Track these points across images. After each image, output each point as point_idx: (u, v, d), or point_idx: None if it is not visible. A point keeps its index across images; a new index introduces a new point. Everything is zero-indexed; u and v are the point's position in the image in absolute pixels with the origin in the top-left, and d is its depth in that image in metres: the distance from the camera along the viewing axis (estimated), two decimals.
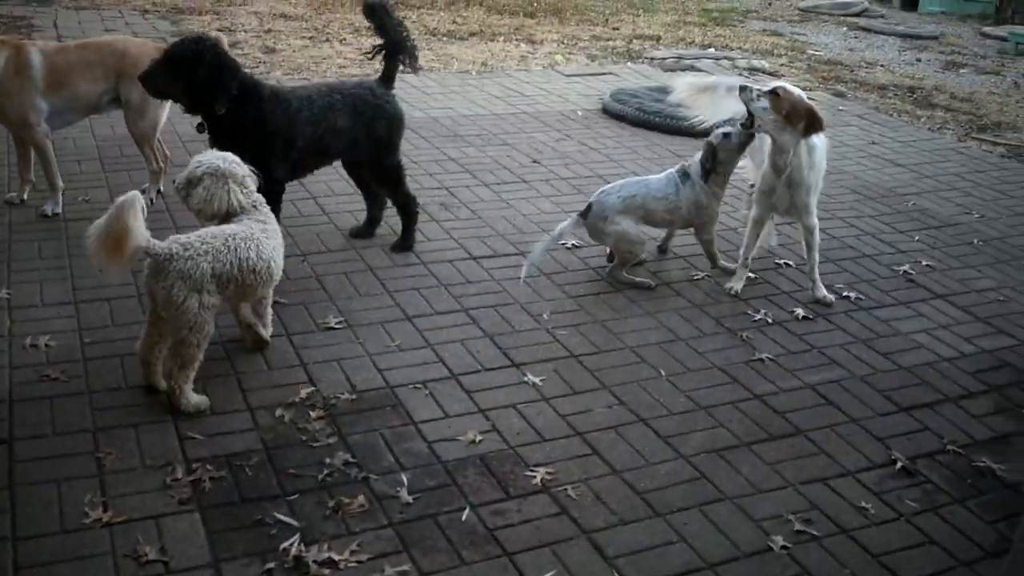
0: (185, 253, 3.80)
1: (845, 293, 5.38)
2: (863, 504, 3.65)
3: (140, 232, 3.64)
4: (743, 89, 5.09)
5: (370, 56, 5.54)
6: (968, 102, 10.44)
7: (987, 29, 15.66)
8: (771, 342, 4.82)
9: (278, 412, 3.95)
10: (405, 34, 5.48)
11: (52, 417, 3.85)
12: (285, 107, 4.96)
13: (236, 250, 3.92)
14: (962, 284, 5.69)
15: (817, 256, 5.34)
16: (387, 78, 5.46)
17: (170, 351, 3.94)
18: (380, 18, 5.38)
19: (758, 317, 5.05)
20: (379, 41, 5.44)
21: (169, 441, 3.75)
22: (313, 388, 4.14)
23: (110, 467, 3.58)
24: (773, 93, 4.98)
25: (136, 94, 5.67)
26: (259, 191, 4.31)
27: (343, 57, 10.17)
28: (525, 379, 4.30)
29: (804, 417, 4.19)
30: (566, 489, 3.60)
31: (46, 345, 4.32)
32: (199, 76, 4.72)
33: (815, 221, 5.29)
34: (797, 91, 5.05)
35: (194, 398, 3.94)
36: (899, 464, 3.91)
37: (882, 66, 12.08)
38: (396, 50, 5.43)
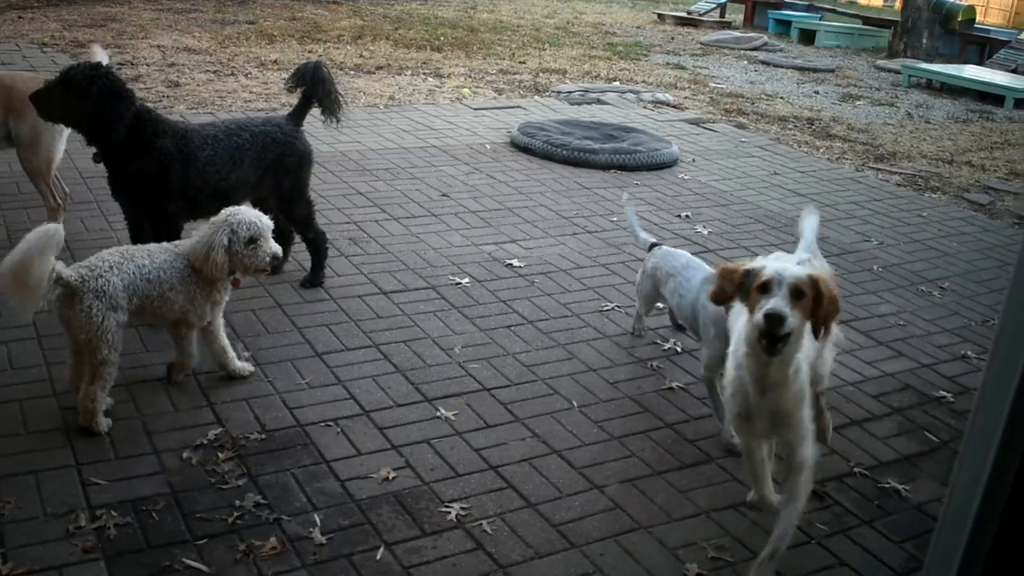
0: (93, 273, 3.88)
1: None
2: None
3: (50, 262, 3.70)
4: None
5: (290, 88, 5.53)
6: (865, 132, 10.78)
7: (880, 62, 16.26)
8: (680, 371, 4.88)
9: (185, 454, 3.85)
10: (334, 96, 5.52)
11: None
12: (185, 144, 4.87)
13: (133, 259, 4.03)
14: (864, 310, 5.85)
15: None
16: (297, 115, 5.43)
17: (89, 374, 3.95)
18: (312, 84, 5.41)
19: (667, 346, 5.11)
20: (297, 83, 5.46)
21: (71, 487, 3.63)
22: (221, 428, 4.05)
23: (9, 516, 3.45)
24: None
25: (26, 130, 5.54)
26: (153, 232, 4.43)
27: (249, 91, 10.08)
28: (438, 414, 4.27)
29: (714, 445, 4.24)
30: (481, 524, 3.58)
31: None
32: (91, 100, 4.62)
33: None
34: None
35: (103, 420, 3.97)
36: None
37: (782, 98, 12.42)
38: (319, 102, 5.47)
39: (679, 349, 5.08)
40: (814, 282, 3.12)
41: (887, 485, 4.06)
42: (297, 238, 5.60)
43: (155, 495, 3.61)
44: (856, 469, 4.16)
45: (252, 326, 4.98)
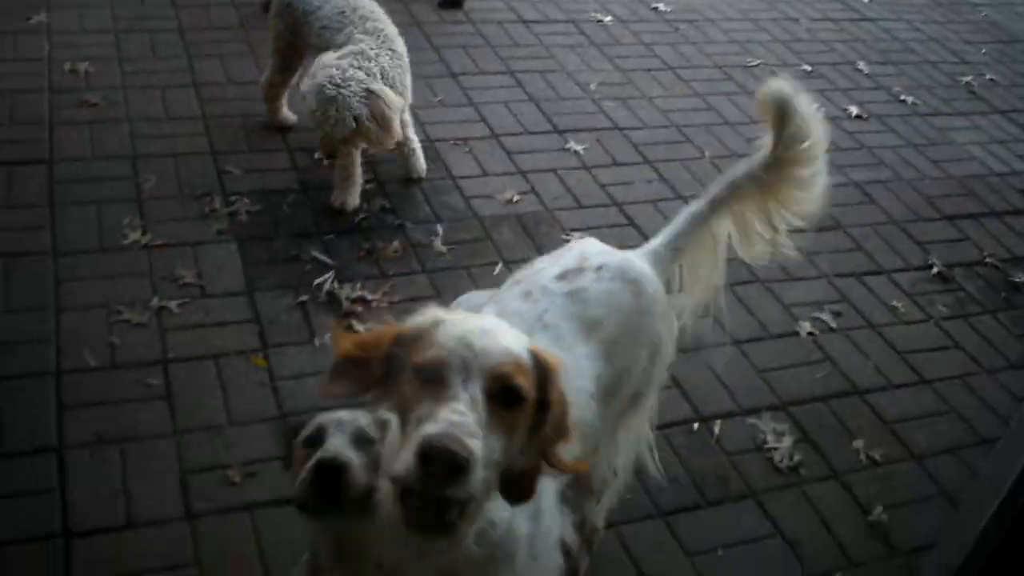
0: None
1: (902, 97, 5.20)
2: (894, 303, 3.65)
3: None
4: None
5: None
6: None
7: None
8: None
9: (317, 155, 3.90)
10: None
11: (92, 141, 3.83)
12: None
13: None
14: None
15: None
16: None
17: None
18: None
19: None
20: None
21: (208, 173, 3.73)
22: None
23: (149, 193, 3.58)
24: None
25: None
26: None
27: None
28: (567, 146, 4.23)
29: (846, 213, 4.12)
30: None
31: (86, 71, 4.24)
32: None
33: None
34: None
35: None
36: (935, 269, 3.87)
37: None
38: None
39: (822, 114, 4.86)
40: (544, 370, 1.51)
41: (1017, 280, 3.93)
42: None
43: (287, 189, 3.70)
44: (988, 259, 4.02)
45: None
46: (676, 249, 2.28)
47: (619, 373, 2.01)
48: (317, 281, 3.26)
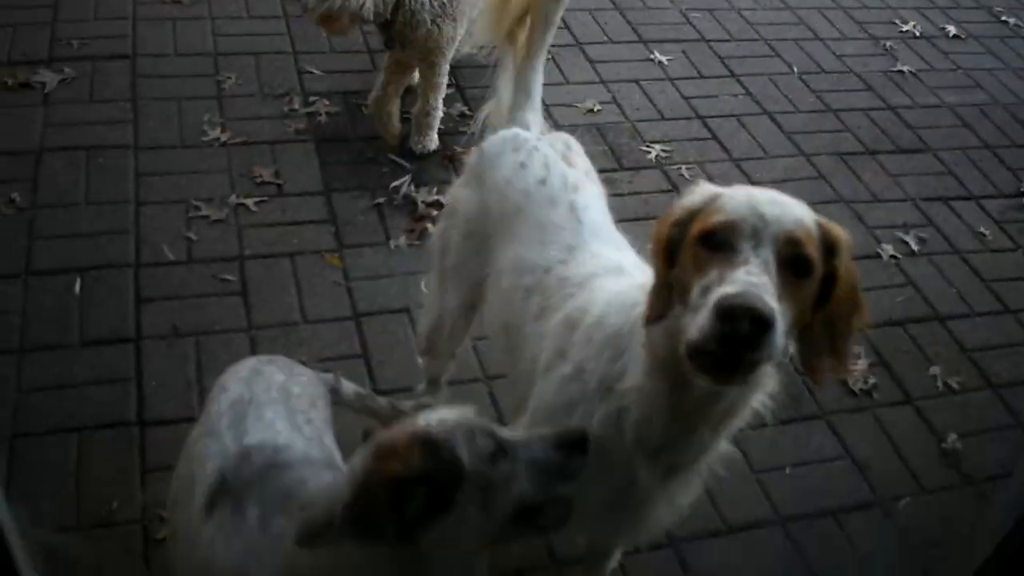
0: None
1: (1004, 17, 4.98)
2: (981, 230, 3.53)
3: None
4: None
5: None
6: None
7: None
8: (915, 56, 4.53)
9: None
10: None
11: (174, 38, 3.84)
12: None
13: None
14: None
15: None
16: None
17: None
18: None
19: (905, 28, 4.72)
20: None
21: (288, 73, 3.73)
22: None
23: (229, 91, 3.60)
24: None
25: None
26: None
27: None
28: (651, 56, 4.13)
29: (936, 135, 3.99)
30: (680, 168, 3.53)
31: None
32: None
33: None
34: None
35: None
36: None
37: None
38: None
39: (918, 33, 4.68)
40: (830, 241, 1.45)
41: None
42: None
43: (365, 90, 3.67)
44: None
45: None
46: None
47: None
48: (394, 184, 3.26)
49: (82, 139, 3.29)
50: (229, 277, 2.84)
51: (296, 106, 3.55)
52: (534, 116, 2.22)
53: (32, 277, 2.77)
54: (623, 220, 2.89)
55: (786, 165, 3.66)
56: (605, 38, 4.22)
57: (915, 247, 3.38)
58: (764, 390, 1.57)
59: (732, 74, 4.13)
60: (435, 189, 3.25)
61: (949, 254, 3.41)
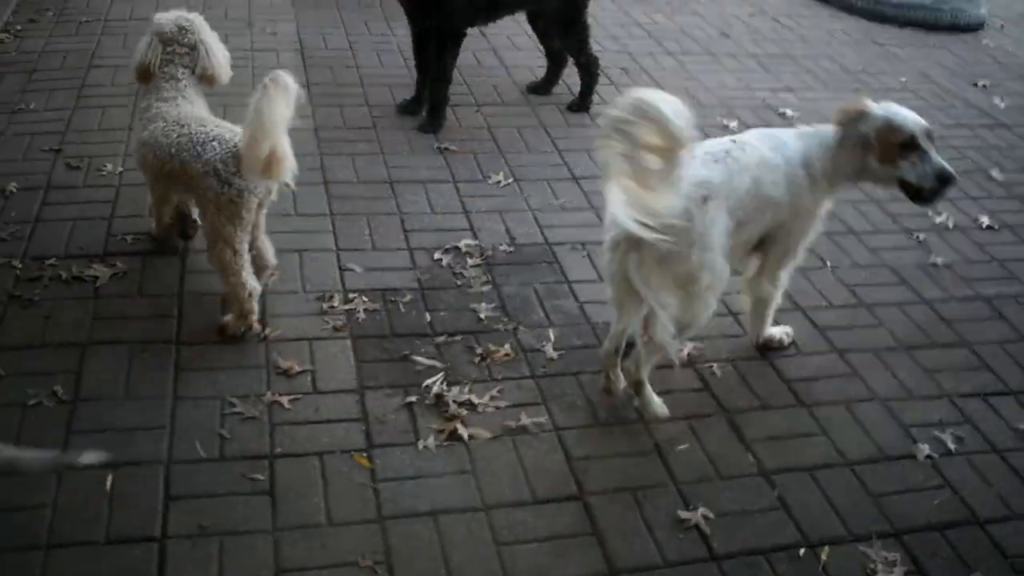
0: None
1: None
2: (1021, 427, 3.47)
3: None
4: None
5: None
6: None
7: None
8: (948, 248, 4.57)
9: (436, 255, 4.01)
10: None
11: None
12: None
13: None
14: None
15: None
16: None
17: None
18: None
19: (939, 220, 4.78)
20: None
21: (330, 270, 3.86)
22: (473, 237, 4.17)
23: (272, 287, 3.72)
24: None
25: None
26: (438, 34, 4.35)
27: None
28: None
29: (973, 329, 3.98)
30: (712, 366, 3.55)
31: None
32: None
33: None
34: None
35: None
36: None
37: None
38: None
39: (950, 225, 4.74)
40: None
41: None
42: (570, 61, 5.55)
43: (404, 288, 3.79)
44: None
45: (515, 143, 5.04)
46: None
47: None
48: (426, 383, 3.31)
49: (128, 333, 3.41)
50: (258, 476, 2.88)
51: (336, 303, 3.66)
52: None
53: (67, 471, 2.83)
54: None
55: (819, 362, 3.67)
56: None
57: (952, 446, 3.33)
58: None
59: None
60: (467, 388, 3.30)
61: (988, 453, 3.34)
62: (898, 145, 3.16)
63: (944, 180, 3.16)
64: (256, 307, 3.46)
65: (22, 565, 2.55)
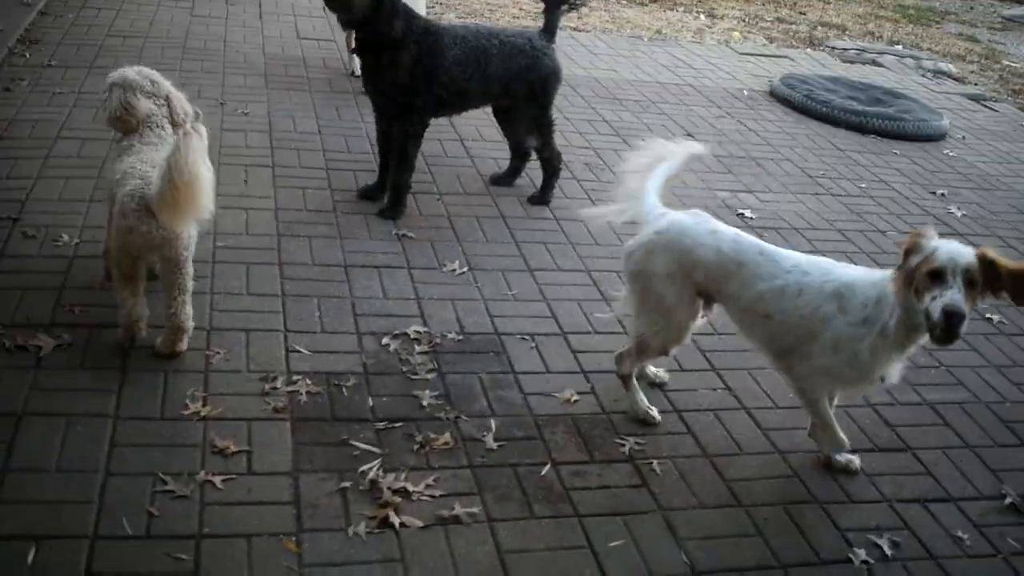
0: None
1: (988, 315, 5.11)
2: (959, 534, 3.48)
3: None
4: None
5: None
6: None
7: None
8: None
9: (384, 340, 4.01)
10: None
11: None
12: (435, 40, 4.98)
13: None
14: None
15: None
16: (549, 30, 5.42)
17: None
18: None
19: None
20: None
21: (276, 351, 3.86)
22: (423, 324, 4.19)
23: (216, 366, 3.72)
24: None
25: None
26: (402, 123, 4.46)
27: (519, 7, 10.17)
28: None
29: (916, 434, 4.01)
30: (652, 463, 3.55)
31: None
32: None
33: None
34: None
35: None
36: (1008, 499, 3.70)
37: None
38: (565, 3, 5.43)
39: None
40: (988, 264, 3.11)
41: None
42: (533, 155, 5.64)
43: (348, 372, 3.79)
44: None
45: (473, 232, 5.09)
46: None
47: None
48: (362, 468, 3.29)
49: (65, 406, 3.38)
50: (183, 556, 2.83)
51: (278, 384, 3.65)
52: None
53: None
54: (589, 515, 2.95)
55: (760, 463, 3.67)
56: (590, 328, 4.36)
57: (888, 551, 3.33)
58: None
59: (712, 368, 4.22)
60: (403, 475, 3.28)
61: (925, 559, 3.35)
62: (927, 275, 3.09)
63: (948, 315, 3.00)
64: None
65: None
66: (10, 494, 2.99)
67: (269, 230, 4.76)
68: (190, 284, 3.73)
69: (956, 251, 3.07)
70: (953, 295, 3.01)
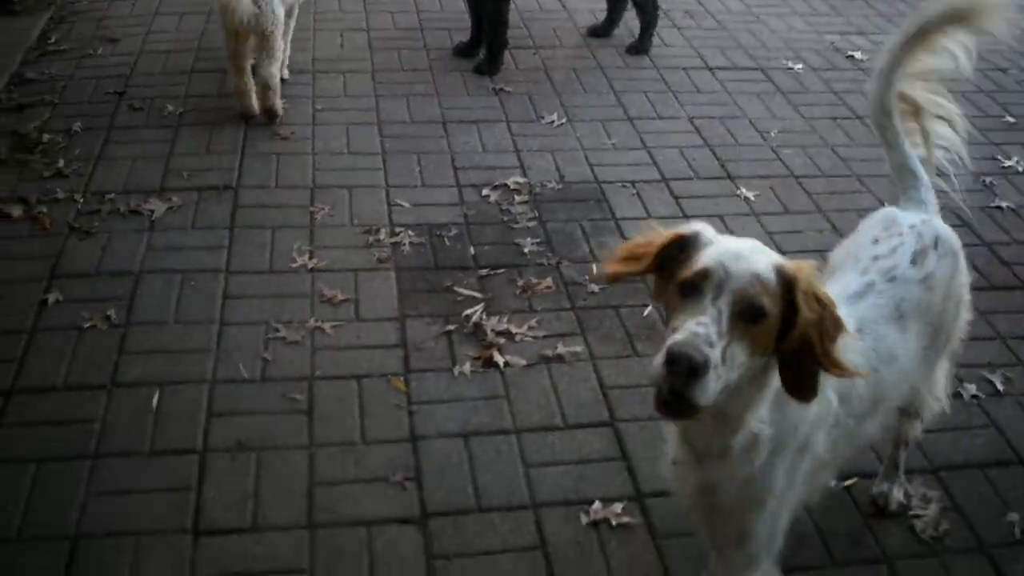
0: None
1: None
2: None
3: None
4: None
5: None
6: None
7: None
8: (1016, 192, 4.43)
9: (484, 192, 4.03)
10: None
11: (277, 171, 4.10)
12: None
13: None
14: None
15: None
16: None
17: None
18: None
19: (1008, 164, 4.62)
20: None
21: (378, 206, 3.91)
22: (523, 174, 4.18)
23: (321, 221, 3.79)
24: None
25: None
26: None
27: None
28: (738, 192, 4.17)
29: None
30: None
31: (283, 108, 4.52)
32: None
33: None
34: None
35: None
36: None
37: None
38: None
39: (1021, 169, 4.60)
40: (787, 282, 1.66)
41: None
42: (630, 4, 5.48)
43: (450, 223, 3.82)
44: None
45: (571, 83, 5.02)
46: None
47: (937, 330, 2.31)
48: (466, 312, 3.34)
49: (179, 263, 3.51)
50: (297, 396, 2.95)
51: (382, 236, 3.71)
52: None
53: (117, 389, 2.95)
54: None
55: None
56: (692, 174, 4.29)
57: (1001, 387, 3.26)
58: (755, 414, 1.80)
59: (819, 209, 4.12)
60: (506, 318, 3.32)
61: None
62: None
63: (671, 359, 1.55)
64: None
65: (70, 472, 2.66)
66: (133, 345, 3.13)
67: (367, 91, 4.77)
68: (278, 54, 4.37)
69: (737, 254, 1.65)
70: (696, 326, 1.57)
